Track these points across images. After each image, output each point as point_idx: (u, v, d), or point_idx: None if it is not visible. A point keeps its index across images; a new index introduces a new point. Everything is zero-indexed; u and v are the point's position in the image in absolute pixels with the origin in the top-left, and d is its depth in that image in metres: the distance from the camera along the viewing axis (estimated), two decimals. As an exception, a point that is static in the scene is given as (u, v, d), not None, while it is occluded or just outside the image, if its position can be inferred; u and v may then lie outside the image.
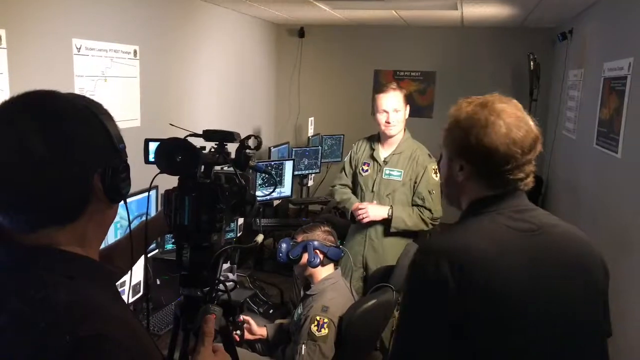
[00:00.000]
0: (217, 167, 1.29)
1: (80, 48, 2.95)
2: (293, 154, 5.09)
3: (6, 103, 0.82)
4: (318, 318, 2.21)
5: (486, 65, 5.82)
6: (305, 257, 2.40)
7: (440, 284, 1.10)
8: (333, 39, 6.27)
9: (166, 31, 3.87)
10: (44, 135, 0.78)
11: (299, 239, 2.46)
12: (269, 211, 4.62)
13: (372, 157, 3.05)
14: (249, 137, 1.31)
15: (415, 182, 2.96)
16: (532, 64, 4.98)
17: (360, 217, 2.94)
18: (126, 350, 0.77)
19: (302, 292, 2.55)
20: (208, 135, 1.28)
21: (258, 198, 1.36)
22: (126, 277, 2.51)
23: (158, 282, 2.82)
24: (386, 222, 2.95)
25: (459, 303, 1.09)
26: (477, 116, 1.20)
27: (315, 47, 6.33)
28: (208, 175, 1.25)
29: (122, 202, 0.92)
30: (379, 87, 3.10)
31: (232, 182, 1.27)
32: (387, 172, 2.99)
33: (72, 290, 0.80)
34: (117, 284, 1.01)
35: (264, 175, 3.86)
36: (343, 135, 5.75)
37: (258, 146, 1.31)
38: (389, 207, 2.93)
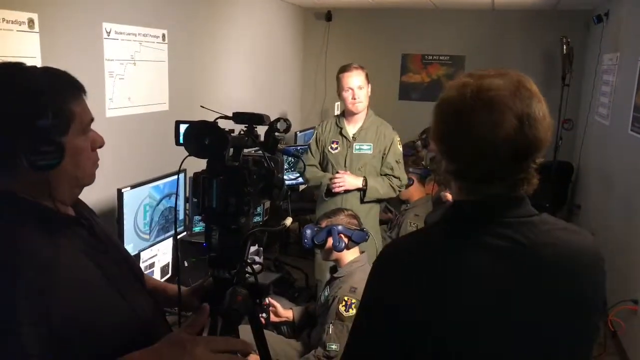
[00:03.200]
0: (247, 150, 1.29)
1: (110, 32, 2.98)
2: (319, 138, 5.07)
3: None
4: (346, 298, 2.24)
5: (517, 50, 5.68)
6: (330, 241, 2.41)
7: (388, 296, 1.02)
8: (360, 23, 6.20)
9: (194, 15, 3.88)
10: None
11: (323, 224, 2.48)
12: (295, 195, 4.63)
13: (341, 134, 3.23)
14: (278, 119, 1.31)
15: (384, 154, 3.20)
16: (565, 47, 4.84)
17: (337, 185, 3.12)
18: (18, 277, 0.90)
19: (329, 275, 2.57)
20: (237, 117, 1.28)
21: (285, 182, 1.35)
22: (155, 259, 2.56)
23: (186, 264, 2.86)
24: (359, 193, 3.17)
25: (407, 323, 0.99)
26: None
27: (342, 30, 6.27)
28: (236, 159, 1.25)
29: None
30: (341, 68, 3.25)
31: (261, 165, 1.27)
32: (357, 147, 3.20)
33: None
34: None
35: (291, 159, 3.87)
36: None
37: (287, 129, 1.31)
38: (362, 178, 3.14)
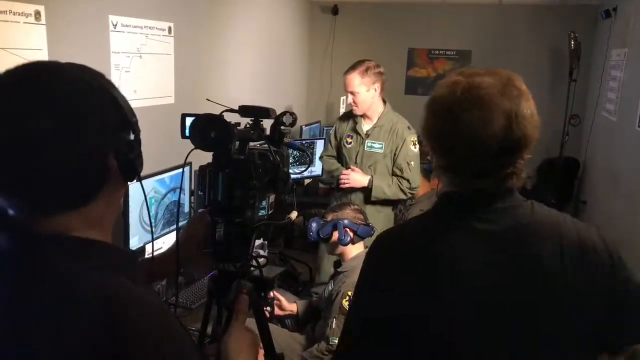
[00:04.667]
0: (253, 144, 1.29)
1: (116, 25, 2.98)
2: (324, 133, 5.07)
3: (8, 76, 0.74)
4: (350, 293, 2.24)
5: (524, 45, 5.64)
6: (335, 235, 2.42)
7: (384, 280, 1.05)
8: (367, 17, 6.17)
9: (200, 8, 3.87)
10: (51, 111, 0.70)
11: (329, 217, 2.48)
12: (300, 189, 4.64)
13: (355, 130, 3.19)
14: (284, 113, 1.31)
15: (395, 154, 3.11)
16: (572, 42, 4.81)
17: (342, 181, 3.11)
18: (151, 332, 0.72)
19: (332, 270, 2.57)
20: (244, 110, 1.28)
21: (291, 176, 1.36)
22: (160, 252, 2.56)
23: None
24: (366, 192, 3.11)
25: (401, 303, 1.02)
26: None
27: (348, 24, 6.25)
28: (242, 152, 1.25)
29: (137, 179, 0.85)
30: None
31: (266, 158, 1.27)
32: (369, 144, 3.15)
33: (96, 279, 0.72)
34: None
35: (296, 153, 3.87)
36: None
37: (293, 123, 1.31)
38: (369, 177, 3.08)
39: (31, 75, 0.74)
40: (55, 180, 0.72)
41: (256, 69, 4.89)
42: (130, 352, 0.68)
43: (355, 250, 2.45)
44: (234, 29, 4.41)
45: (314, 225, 2.49)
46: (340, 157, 3.29)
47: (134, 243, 2.34)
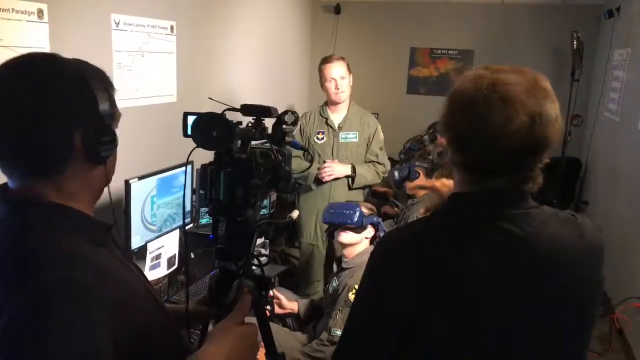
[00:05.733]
0: (255, 142, 1.29)
1: (118, 23, 2.98)
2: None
3: (10, 63, 0.91)
4: (356, 287, 2.25)
5: (526, 44, 5.64)
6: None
7: (391, 282, 1.03)
8: (369, 16, 6.17)
9: (203, 7, 3.87)
10: (35, 92, 0.87)
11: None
12: (301, 188, 4.63)
13: (327, 124, 3.33)
14: (285, 112, 1.31)
15: (369, 142, 3.34)
16: (575, 42, 4.80)
17: (327, 174, 3.22)
18: (99, 297, 0.82)
19: (335, 267, 2.58)
20: (246, 109, 1.28)
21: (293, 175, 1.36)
22: (162, 250, 2.57)
23: (192, 256, 2.88)
24: (347, 180, 3.30)
25: (407, 309, 1.00)
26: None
27: (350, 24, 6.25)
28: (244, 151, 1.25)
29: (103, 164, 0.96)
30: (323, 59, 3.35)
31: (268, 157, 1.27)
32: (343, 136, 3.32)
33: (52, 237, 0.87)
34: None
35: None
36: (377, 114, 5.69)
37: (295, 122, 1.31)
38: (350, 165, 3.26)
39: (27, 64, 0.92)
40: (29, 148, 0.88)
41: (258, 68, 4.89)
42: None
43: (361, 247, 2.47)
44: (236, 28, 4.41)
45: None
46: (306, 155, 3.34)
47: (136, 242, 2.35)
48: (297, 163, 3.28)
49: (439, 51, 6.05)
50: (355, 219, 2.41)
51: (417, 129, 4.94)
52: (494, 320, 0.99)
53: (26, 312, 0.77)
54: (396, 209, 4.30)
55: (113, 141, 0.95)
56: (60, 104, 0.89)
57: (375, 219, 2.46)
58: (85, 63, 0.98)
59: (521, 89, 0.96)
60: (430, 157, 3.82)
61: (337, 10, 6.18)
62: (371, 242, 2.50)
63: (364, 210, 2.47)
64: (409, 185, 3.57)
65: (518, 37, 5.71)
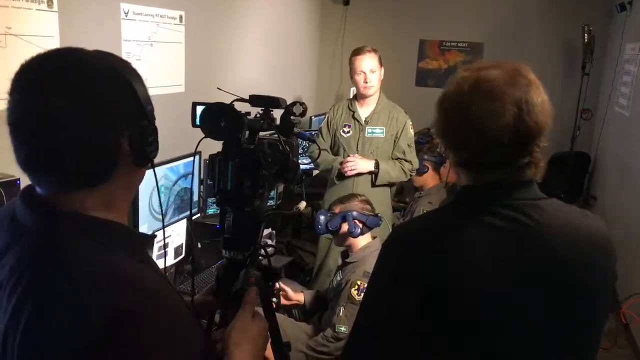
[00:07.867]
0: (263, 133, 1.29)
1: (127, 13, 2.98)
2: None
3: (34, 61, 0.81)
4: (359, 282, 2.26)
5: (537, 38, 5.58)
6: (344, 227, 2.42)
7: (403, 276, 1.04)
8: (378, 7, 6.13)
9: (211, -3, 3.87)
10: (72, 96, 0.77)
11: (337, 209, 2.48)
12: (308, 180, 4.63)
13: (354, 118, 3.23)
14: (294, 103, 1.31)
15: (396, 138, 3.21)
16: (586, 36, 4.76)
17: (349, 169, 3.13)
18: (156, 324, 0.76)
19: (340, 261, 2.58)
20: (254, 100, 1.28)
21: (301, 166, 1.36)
22: (168, 240, 2.58)
23: (199, 246, 2.89)
24: (371, 176, 3.19)
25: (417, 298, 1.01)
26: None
27: (359, 15, 6.21)
28: (252, 141, 1.25)
29: (150, 166, 0.90)
30: (355, 51, 3.26)
31: (276, 148, 1.28)
32: (370, 130, 3.21)
33: (105, 260, 0.79)
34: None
35: (305, 144, 3.87)
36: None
37: (303, 113, 1.31)
38: (374, 161, 3.15)
39: (57, 61, 0.82)
40: (71, 157, 0.79)
41: (267, 58, 4.89)
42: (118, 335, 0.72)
43: (364, 241, 2.46)
44: (244, 18, 4.40)
45: (321, 218, 2.48)
46: (336, 149, 3.30)
47: (143, 230, 2.36)
48: (323, 156, 3.29)
49: (448, 43, 6.01)
50: (320, 226, 2.46)
51: (425, 121, 4.90)
52: (507, 310, 1.00)
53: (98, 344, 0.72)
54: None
55: (156, 139, 0.89)
56: (106, 106, 0.81)
57: (350, 214, 2.41)
58: (113, 56, 0.89)
59: (503, 82, 1.00)
60: (438, 150, 3.81)
61: (346, 1, 6.15)
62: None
63: (337, 209, 2.45)
64: (416, 178, 3.56)
65: (528, 30, 5.66)
